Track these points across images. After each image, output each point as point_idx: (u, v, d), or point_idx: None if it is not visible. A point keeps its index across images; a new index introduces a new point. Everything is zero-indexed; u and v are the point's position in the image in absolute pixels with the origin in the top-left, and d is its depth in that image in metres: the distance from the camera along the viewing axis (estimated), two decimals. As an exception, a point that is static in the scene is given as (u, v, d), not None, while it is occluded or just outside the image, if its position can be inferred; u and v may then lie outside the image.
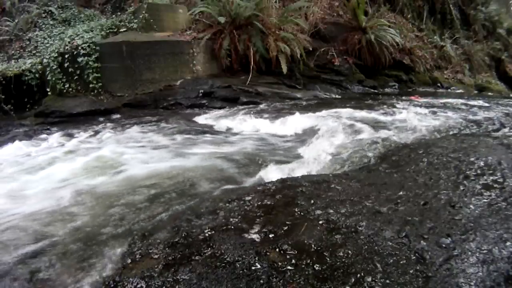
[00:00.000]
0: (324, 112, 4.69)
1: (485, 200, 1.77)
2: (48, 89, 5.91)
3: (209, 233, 1.67)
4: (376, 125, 3.92)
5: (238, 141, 3.78)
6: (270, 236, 1.61)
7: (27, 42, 6.85)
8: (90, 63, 5.76)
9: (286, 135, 4.00)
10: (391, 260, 1.38)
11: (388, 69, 8.23)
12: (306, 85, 7.15)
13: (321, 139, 3.49)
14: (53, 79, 5.82)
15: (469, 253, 1.38)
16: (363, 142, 3.20)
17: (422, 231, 1.55)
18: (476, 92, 9.10)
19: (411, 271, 1.32)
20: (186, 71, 6.40)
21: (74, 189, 2.51)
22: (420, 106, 5.20)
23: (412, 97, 6.37)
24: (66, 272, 1.61)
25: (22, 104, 6.00)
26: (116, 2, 8.04)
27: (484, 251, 1.38)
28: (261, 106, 5.84)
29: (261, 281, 1.32)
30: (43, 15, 7.39)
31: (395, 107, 5.13)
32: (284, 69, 6.66)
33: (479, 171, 2.10)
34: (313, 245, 1.51)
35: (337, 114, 4.59)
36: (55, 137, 4.37)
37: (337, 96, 7.06)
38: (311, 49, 7.40)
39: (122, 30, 6.52)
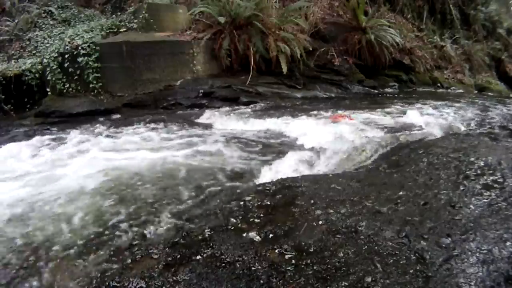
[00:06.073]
0: (324, 112, 4.69)
1: (485, 200, 1.77)
2: (48, 89, 5.90)
3: (209, 233, 1.67)
4: (375, 125, 3.92)
5: (238, 140, 3.78)
6: (270, 236, 1.61)
7: (27, 42, 6.84)
8: (90, 63, 5.75)
9: (287, 134, 3.99)
10: (391, 260, 1.38)
11: (388, 69, 8.22)
12: (306, 85, 7.14)
13: (321, 138, 3.48)
14: (53, 79, 5.81)
15: (469, 253, 1.38)
16: (363, 142, 3.20)
17: (422, 231, 1.55)
18: (476, 92, 9.10)
19: (411, 271, 1.32)
20: (186, 71, 6.39)
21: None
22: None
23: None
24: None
25: (22, 104, 5.99)
26: (116, 2, 8.03)
27: (484, 251, 1.38)
28: (261, 106, 5.84)
29: (261, 281, 1.32)
30: (43, 15, 7.38)
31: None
32: (284, 69, 6.66)
33: (479, 171, 2.10)
34: (313, 245, 1.51)
35: (337, 113, 4.59)
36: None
37: (337, 96, 7.06)
38: (311, 49, 7.38)
39: (122, 30, 6.51)
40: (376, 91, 7.75)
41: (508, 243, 1.41)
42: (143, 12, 6.50)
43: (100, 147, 3.57)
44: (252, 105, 5.89)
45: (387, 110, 4.83)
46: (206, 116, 5.14)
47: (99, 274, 1.54)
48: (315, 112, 4.75)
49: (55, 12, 7.49)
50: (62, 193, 2.40)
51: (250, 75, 6.55)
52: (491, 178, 2.00)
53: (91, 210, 2.16)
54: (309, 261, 1.41)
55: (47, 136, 4.22)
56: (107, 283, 1.39)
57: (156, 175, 2.75)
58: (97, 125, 4.75)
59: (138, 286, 1.36)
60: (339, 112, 4.51)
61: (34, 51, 6.62)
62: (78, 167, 2.92)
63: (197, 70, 6.48)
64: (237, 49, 6.61)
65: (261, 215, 1.81)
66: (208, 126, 4.57)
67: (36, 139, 4.07)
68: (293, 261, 1.42)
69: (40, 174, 2.87)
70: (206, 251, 1.53)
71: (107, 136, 4.16)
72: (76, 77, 5.84)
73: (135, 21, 6.56)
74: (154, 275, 1.41)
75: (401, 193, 1.95)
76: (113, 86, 5.96)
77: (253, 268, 1.39)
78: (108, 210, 2.18)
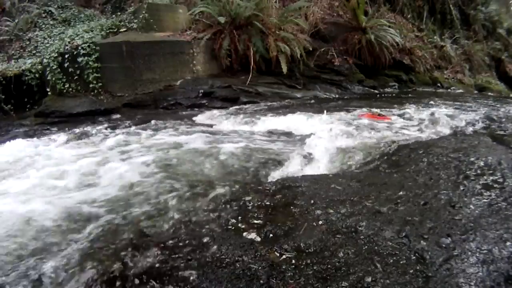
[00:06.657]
0: (323, 112, 4.69)
1: (485, 200, 1.77)
2: (48, 89, 5.90)
3: (209, 233, 1.67)
4: (375, 125, 3.92)
5: (238, 140, 3.78)
6: (270, 236, 1.61)
7: (27, 42, 6.84)
8: (90, 63, 5.75)
9: (287, 135, 3.99)
10: (391, 260, 1.38)
11: (388, 69, 8.22)
12: (306, 85, 7.14)
13: (320, 139, 3.48)
14: (53, 79, 5.81)
15: (469, 253, 1.38)
16: (363, 142, 3.20)
17: (422, 231, 1.55)
18: (476, 92, 9.10)
19: (411, 271, 1.32)
20: (186, 71, 6.40)
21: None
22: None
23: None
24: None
25: (22, 104, 5.99)
26: (116, 2, 8.03)
27: (484, 251, 1.38)
28: (261, 106, 5.84)
29: (261, 281, 1.32)
30: (43, 15, 7.38)
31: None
32: (284, 69, 6.66)
33: (479, 171, 2.10)
34: (313, 245, 1.51)
35: (336, 114, 4.59)
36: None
37: (336, 96, 7.07)
38: (311, 49, 7.38)
39: (122, 30, 6.51)
40: (376, 91, 7.75)
41: (508, 243, 1.41)
42: (143, 12, 6.51)
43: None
44: (252, 105, 5.89)
45: (387, 109, 4.83)
46: (206, 116, 5.13)
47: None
48: (317, 112, 4.74)
49: (55, 12, 7.49)
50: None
51: (250, 75, 6.55)
52: (491, 178, 2.00)
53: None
54: (309, 261, 1.41)
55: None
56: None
57: (154, 174, 2.75)
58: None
59: (138, 286, 1.36)
60: (365, 110, 4.63)
61: (34, 51, 6.62)
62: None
63: (197, 70, 6.49)
64: (237, 49, 6.62)
65: (261, 215, 1.81)
66: (208, 126, 4.56)
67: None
68: (293, 261, 1.42)
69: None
70: (206, 251, 1.53)
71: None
72: (76, 77, 5.84)
73: (135, 21, 6.56)
74: (154, 275, 1.41)
75: (401, 193, 1.95)
76: (113, 86, 5.96)
77: (253, 268, 1.39)
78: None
